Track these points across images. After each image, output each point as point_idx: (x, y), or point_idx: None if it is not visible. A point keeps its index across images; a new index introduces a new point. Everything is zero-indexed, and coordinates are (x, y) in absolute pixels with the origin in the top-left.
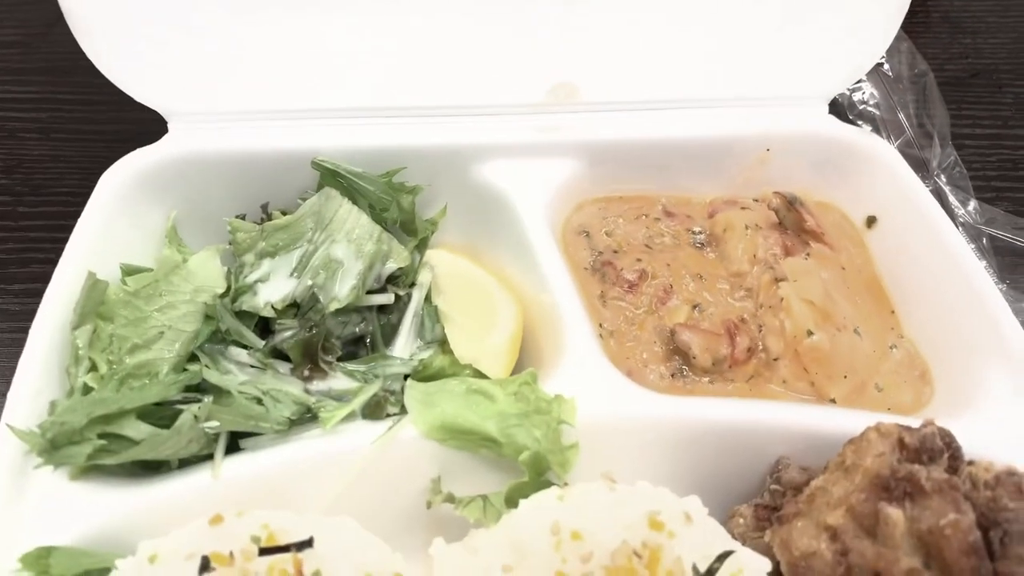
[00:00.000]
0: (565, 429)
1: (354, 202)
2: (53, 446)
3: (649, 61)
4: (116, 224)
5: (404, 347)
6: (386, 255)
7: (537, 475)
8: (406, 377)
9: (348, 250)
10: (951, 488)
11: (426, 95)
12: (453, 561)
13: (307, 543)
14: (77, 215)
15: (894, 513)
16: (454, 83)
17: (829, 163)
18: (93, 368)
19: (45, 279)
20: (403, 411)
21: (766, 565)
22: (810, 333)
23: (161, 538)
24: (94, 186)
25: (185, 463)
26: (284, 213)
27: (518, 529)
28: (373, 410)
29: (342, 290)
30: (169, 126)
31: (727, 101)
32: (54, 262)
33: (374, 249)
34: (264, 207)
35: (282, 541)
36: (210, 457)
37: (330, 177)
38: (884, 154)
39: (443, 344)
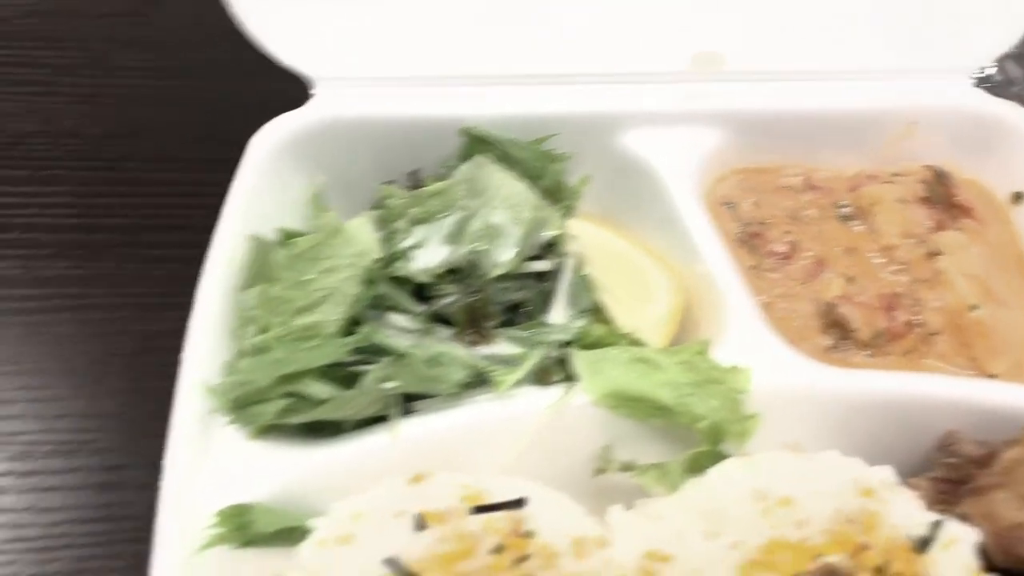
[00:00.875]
0: (743, 399)
1: (514, 171)
2: (239, 405)
3: (795, 31)
4: (266, 189)
5: (560, 315)
6: (543, 222)
7: (714, 445)
8: (564, 346)
9: (506, 216)
10: None
11: (571, 62)
12: (636, 527)
13: (518, 503)
14: (205, 182)
15: None
16: (598, 50)
17: (974, 137)
18: (262, 331)
19: (182, 245)
20: (567, 378)
21: (973, 535)
22: (974, 307)
23: (358, 497)
24: (224, 154)
25: (359, 426)
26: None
27: (711, 496)
28: (541, 376)
29: (503, 256)
30: (313, 91)
31: (873, 73)
32: (186, 228)
33: (532, 216)
34: (414, 173)
35: (489, 501)
36: (381, 420)
37: (479, 144)
38: None
39: (596, 313)
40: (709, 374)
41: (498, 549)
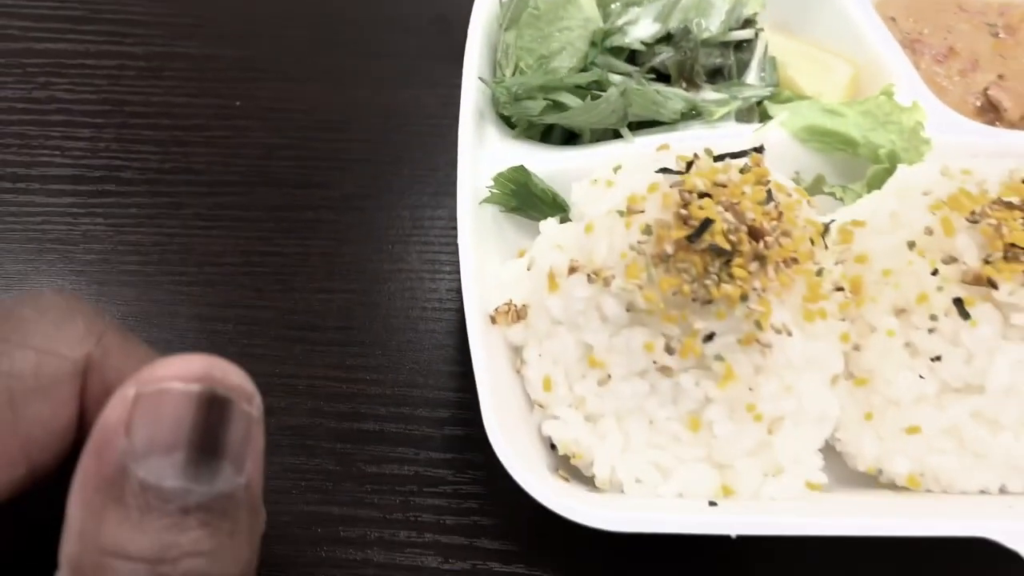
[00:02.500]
0: (919, 129)
1: None
2: (515, 98)
3: None
4: None
5: (754, 81)
6: (746, 0)
7: (893, 168)
8: (760, 103)
9: None
10: None
11: None
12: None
13: (758, 148)
14: None
15: None
16: None
17: None
18: (516, 67)
19: None
20: (766, 121)
21: None
22: None
23: (620, 150)
24: None
25: (595, 141)
26: None
27: (903, 180)
28: (745, 114)
29: (713, 23)
30: None
31: None
32: None
33: None
34: None
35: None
36: (614, 136)
37: None
38: None
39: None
40: (888, 117)
41: (745, 169)
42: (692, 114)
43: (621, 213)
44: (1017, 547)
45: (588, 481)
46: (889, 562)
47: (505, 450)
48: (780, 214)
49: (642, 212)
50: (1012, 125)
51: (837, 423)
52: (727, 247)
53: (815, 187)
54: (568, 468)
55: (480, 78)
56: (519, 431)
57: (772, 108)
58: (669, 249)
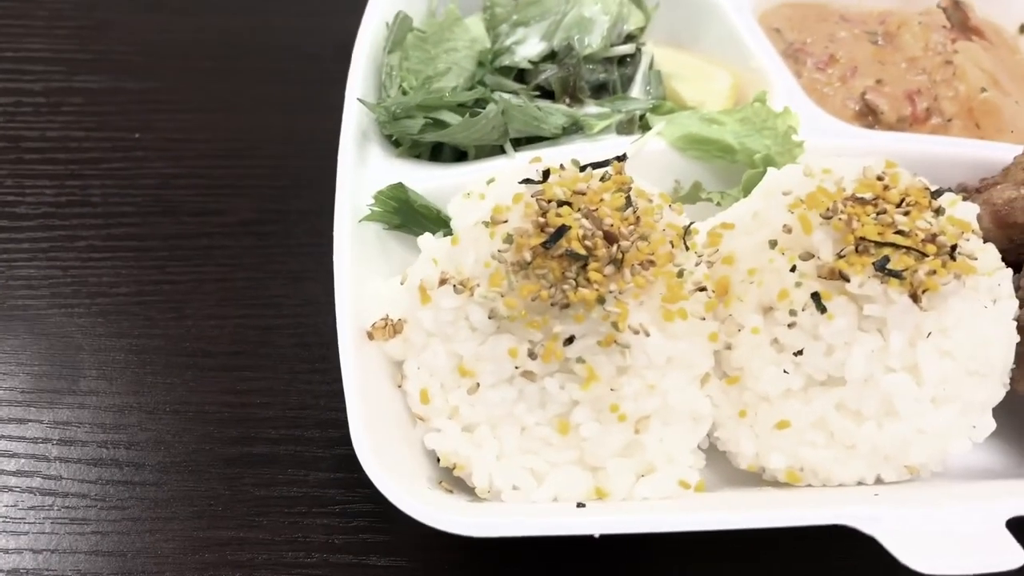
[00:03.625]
0: (792, 134)
1: None
2: (394, 117)
3: None
4: None
5: (638, 95)
6: (627, 16)
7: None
8: (642, 116)
9: (595, 9)
10: None
11: None
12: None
13: (621, 157)
14: None
15: None
16: None
17: None
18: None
19: None
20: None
21: (975, 209)
22: (983, 90)
23: (493, 166)
24: None
25: (478, 156)
26: None
27: (768, 183)
28: (626, 127)
29: (593, 39)
30: None
31: None
32: None
33: (617, 10)
34: None
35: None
36: (498, 152)
37: None
38: None
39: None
40: (764, 123)
41: (605, 177)
42: (574, 128)
43: (486, 224)
44: (873, 532)
45: (473, 491)
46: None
47: (373, 466)
48: (638, 219)
49: (505, 222)
50: (890, 127)
51: (716, 422)
52: (583, 252)
53: (693, 194)
54: (452, 479)
55: (359, 99)
56: (401, 446)
57: (653, 119)
58: (527, 256)
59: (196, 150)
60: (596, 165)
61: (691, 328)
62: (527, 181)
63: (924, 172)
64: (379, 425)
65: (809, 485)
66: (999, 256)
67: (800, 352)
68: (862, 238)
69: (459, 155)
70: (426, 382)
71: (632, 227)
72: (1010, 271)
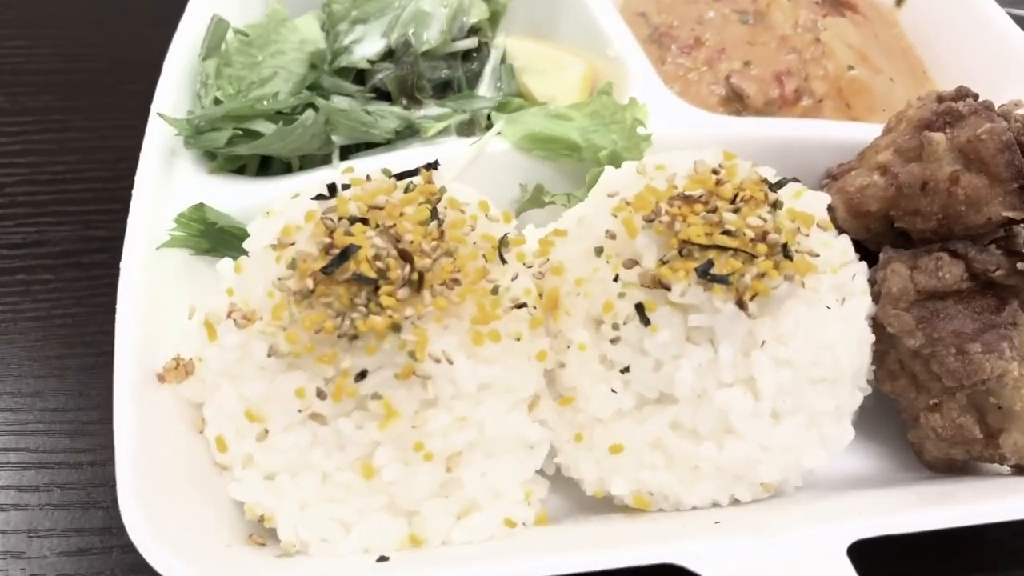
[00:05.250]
0: (639, 128)
1: None
2: (197, 131)
3: None
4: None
5: (486, 91)
6: (468, 8)
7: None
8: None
9: (434, 2)
10: (986, 108)
11: None
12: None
13: (433, 164)
14: None
15: (936, 135)
16: None
17: None
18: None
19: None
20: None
21: (826, 199)
22: (851, 68)
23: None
24: None
25: (305, 168)
26: None
27: (600, 184)
28: (467, 127)
29: (431, 34)
30: None
31: None
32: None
33: (458, 2)
34: None
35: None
36: (327, 162)
37: None
38: None
39: (520, 96)
40: (612, 116)
41: (409, 188)
42: (408, 132)
43: (274, 247)
44: (702, 571)
45: None
46: None
47: (136, 526)
48: (442, 233)
49: (292, 244)
50: (758, 111)
51: (555, 446)
52: (372, 275)
53: (535, 198)
54: (265, 531)
55: (159, 113)
56: (202, 500)
57: (498, 118)
58: (309, 284)
59: (18, 176)
60: (403, 175)
61: (508, 350)
62: (320, 197)
63: (791, 157)
64: (167, 480)
65: (661, 510)
66: (851, 249)
67: (627, 369)
68: (686, 241)
69: (290, 167)
70: (222, 428)
71: (436, 242)
72: (864, 265)
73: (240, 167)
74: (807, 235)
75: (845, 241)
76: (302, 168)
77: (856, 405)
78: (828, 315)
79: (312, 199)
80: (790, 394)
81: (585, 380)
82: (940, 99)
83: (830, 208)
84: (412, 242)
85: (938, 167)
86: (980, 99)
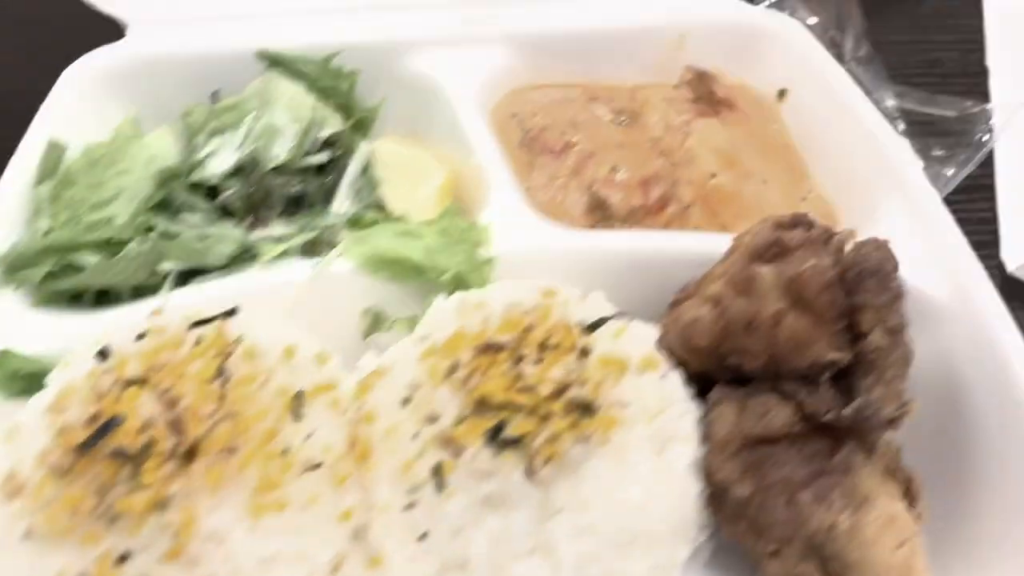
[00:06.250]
0: (482, 250)
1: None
2: (12, 268)
3: None
4: (76, 119)
5: (342, 207)
6: (322, 121)
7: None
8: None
9: (285, 117)
10: (811, 242)
11: None
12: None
13: (230, 312)
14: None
15: (762, 270)
16: None
17: (741, 44)
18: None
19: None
20: None
21: (652, 334)
22: (713, 175)
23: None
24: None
25: (138, 297)
26: None
27: (429, 318)
28: (310, 248)
29: (280, 150)
30: (127, 31)
31: None
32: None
33: (310, 116)
34: (215, 94)
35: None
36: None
37: (275, 65)
38: (792, 30)
39: (380, 208)
40: (459, 235)
41: (199, 342)
42: (246, 256)
43: (49, 410)
44: None
45: None
46: None
47: None
48: (224, 394)
49: (66, 410)
50: (622, 221)
51: None
52: (135, 449)
53: (374, 326)
54: None
55: None
56: None
57: (346, 235)
58: (69, 459)
59: None
60: (198, 323)
61: (300, 515)
62: (100, 354)
63: (650, 272)
64: None
65: None
66: (680, 388)
67: (425, 535)
68: (481, 398)
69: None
70: None
71: (217, 404)
72: (692, 406)
73: (74, 297)
74: (619, 382)
75: (672, 381)
76: (138, 296)
77: (682, 559)
78: (639, 471)
79: (94, 355)
80: (596, 561)
81: (389, 543)
82: (777, 225)
83: (665, 339)
84: (188, 407)
85: (764, 304)
86: (815, 227)
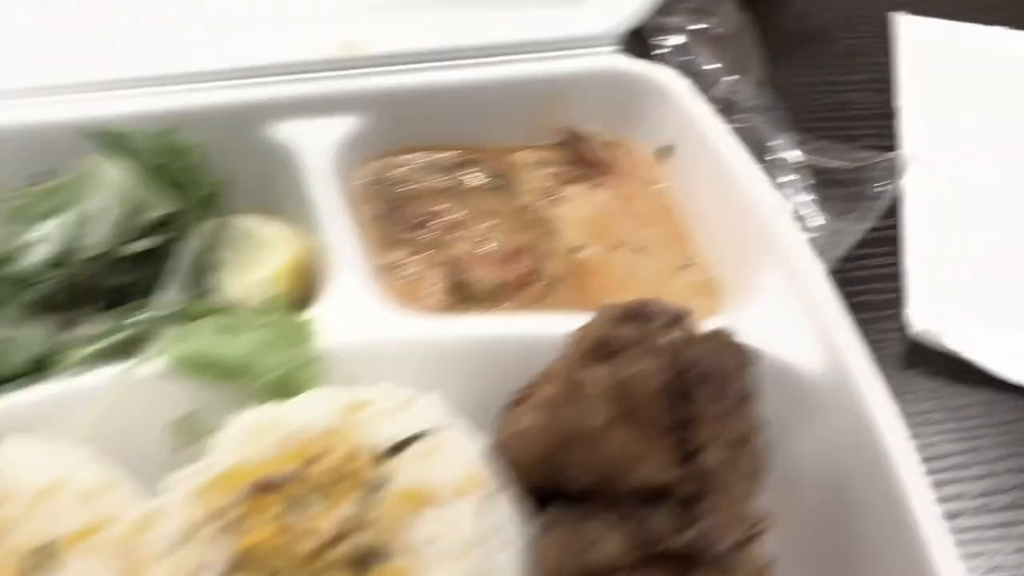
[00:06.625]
0: (308, 348)
1: (127, 163)
2: None
3: (434, 10)
4: None
5: (172, 296)
6: (145, 205)
7: (283, 396)
8: (167, 324)
9: (103, 203)
10: (646, 338)
11: (210, 59)
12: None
13: None
14: None
15: (590, 373)
16: (238, 45)
17: (622, 100)
18: None
19: None
20: None
21: (473, 450)
22: (576, 249)
23: None
24: None
25: None
26: None
27: (218, 441)
28: (125, 348)
29: (97, 238)
30: None
31: (516, 47)
32: None
33: (133, 199)
34: (34, 176)
35: None
36: None
37: (104, 142)
38: (674, 85)
39: (217, 293)
40: (287, 330)
41: None
42: (52, 359)
43: None
44: None
45: None
46: None
47: None
48: None
49: None
50: (484, 299)
51: None
52: None
53: (190, 437)
54: None
55: None
56: None
57: (170, 332)
58: None
59: None
60: None
61: None
62: None
63: (501, 361)
64: None
65: None
66: (506, 509)
67: None
68: (246, 551)
69: None
70: None
71: None
72: (519, 533)
73: None
74: (419, 517)
75: (497, 505)
76: None
77: None
78: None
79: None
80: None
81: None
82: (614, 317)
83: (496, 450)
84: None
85: (591, 413)
86: (655, 319)
